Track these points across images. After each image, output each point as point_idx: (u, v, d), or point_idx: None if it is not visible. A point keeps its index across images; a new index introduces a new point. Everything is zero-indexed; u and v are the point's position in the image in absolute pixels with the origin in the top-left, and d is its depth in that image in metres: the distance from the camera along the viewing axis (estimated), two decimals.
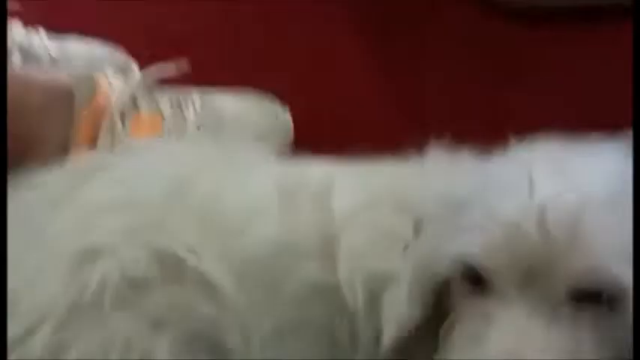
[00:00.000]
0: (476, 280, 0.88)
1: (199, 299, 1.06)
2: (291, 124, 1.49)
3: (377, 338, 1.01)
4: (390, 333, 0.98)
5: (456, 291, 0.92)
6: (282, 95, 1.61)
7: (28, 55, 1.55)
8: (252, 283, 1.08)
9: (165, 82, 1.54)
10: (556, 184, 0.85)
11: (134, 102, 1.46)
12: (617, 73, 1.54)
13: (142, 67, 1.58)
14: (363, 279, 1.05)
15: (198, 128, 1.48)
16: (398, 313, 0.98)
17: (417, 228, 0.99)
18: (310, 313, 1.08)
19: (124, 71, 1.52)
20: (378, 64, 1.84)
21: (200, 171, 1.16)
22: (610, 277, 0.81)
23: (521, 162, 0.91)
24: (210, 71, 1.65)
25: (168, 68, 1.50)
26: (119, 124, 1.42)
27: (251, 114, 1.45)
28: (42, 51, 1.56)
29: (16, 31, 1.54)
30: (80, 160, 1.36)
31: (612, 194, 0.85)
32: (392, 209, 1.09)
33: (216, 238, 1.09)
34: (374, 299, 1.03)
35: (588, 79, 1.74)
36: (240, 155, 1.22)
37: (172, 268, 1.06)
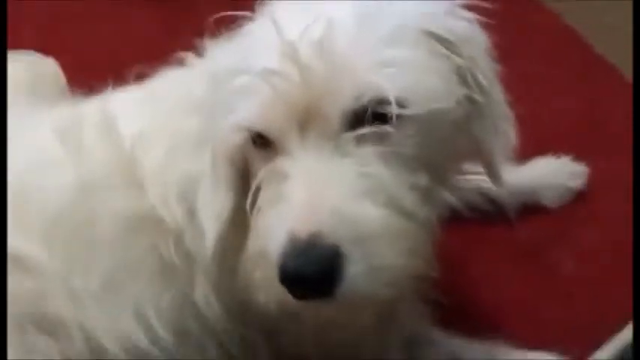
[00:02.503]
0: (265, 142, 0.89)
1: (15, 277, 1.00)
2: (59, 71, 1.42)
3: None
4: (211, 230, 0.97)
5: (254, 161, 0.92)
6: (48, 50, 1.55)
7: None
8: (63, 243, 1.03)
9: None
10: (303, 21, 0.85)
11: None
12: None
13: None
14: (176, 191, 1.03)
15: None
16: (211, 207, 0.97)
17: (204, 114, 0.98)
18: (133, 249, 1.04)
19: None
20: None
21: None
22: (371, 87, 0.83)
23: (267, 13, 0.92)
24: None
25: None
26: None
27: (12, 72, 1.36)
28: None
29: None
30: None
31: (359, 12, 0.87)
32: (180, 112, 1.06)
33: (10, 207, 1.02)
34: (193, 207, 1.01)
35: None
36: (9, 115, 1.14)
37: None
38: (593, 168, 1.37)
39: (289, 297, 0.82)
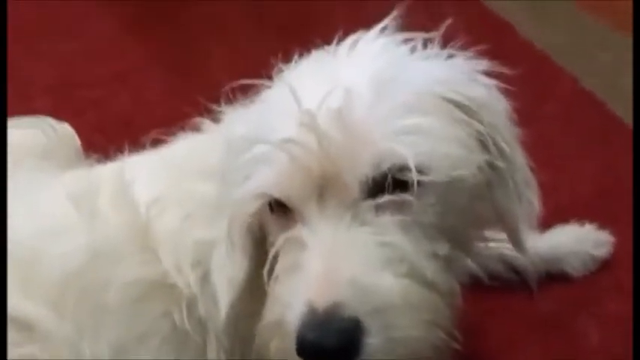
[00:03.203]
0: (282, 209, 0.88)
1: (16, 342, 0.98)
2: (74, 135, 1.42)
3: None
4: (224, 296, 0.96)
5: (271, 227, 0.92)
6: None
7: None
8: (73, 308, 1.01)
9: None
10: (321, 89, 0.86)
11: None
12: None
13: None
14: (190, 258, 1.02)
15: None
16: (225, 273, 0.96)
17: (220, 182, 0.97)
18: (145, 316, 1.03)
19: None
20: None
21: None
22: (391, 153, 0.82)
23: (286, 82, 0.91)
24: None
25: None
26: None
27: (26, 138, 1.37)
28: None
29: None
30: None
31: (377, 80, 0.87)
32: (196, 178, 1.06)
33: (17, 271, 1.01)
34: (207, 275, 1.01)
35: None
36: (20, 179, 1.14)
37: None
38: (617, 236, 1.35)
39: None
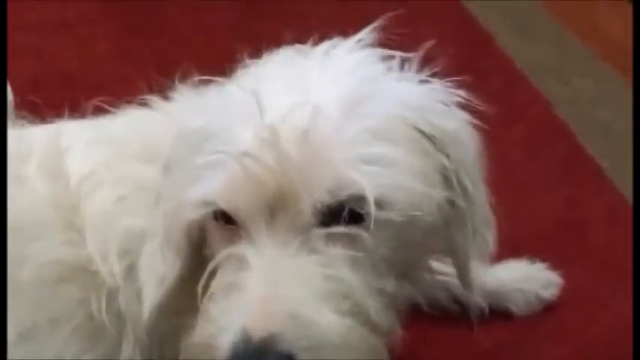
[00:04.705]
0: (228, 220, 0.85)
1: None
2: (8, 87, 1.36)
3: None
4: (150, 295, 0.92)
5: (213, 236, 0.88)
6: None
7: None
8: None
9: None
10: (286, 101, 0.83)
11: None
12: None
13: None
14: (118, 245, 0.97)
15: None
16: (155, 271, 0.92)
17: (165, 173, 0.93)
18: (60, 300, 0.98)
19: None
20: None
21: None
22: (350, 182, 0.80)
23: (251, 83, 0.88)
24: None
25: None
26: None
27: None
28: None
29: None
30: None
31: (347, 99, 0.84)
32: (137, 159, 1.01)
33: None
34: (134, 267, 0.96)
35: None
36: None
37: None
38: (568, 278, 1.32)
39: None
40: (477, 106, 0.93)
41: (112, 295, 0.98)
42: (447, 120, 0.89)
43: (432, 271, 1.02)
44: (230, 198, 0.82)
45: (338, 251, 0.82)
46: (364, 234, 0.81)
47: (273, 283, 0.79)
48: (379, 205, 0.80)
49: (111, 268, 0.97)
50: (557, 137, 1.70)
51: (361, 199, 0.80)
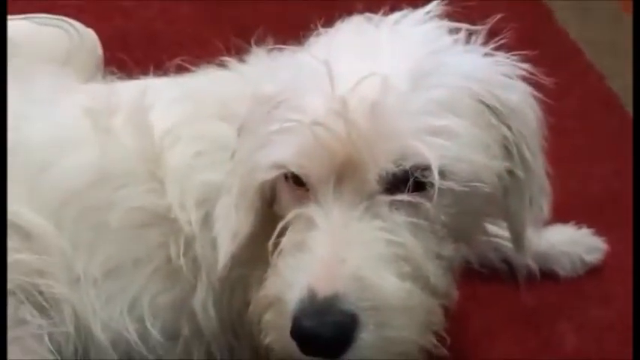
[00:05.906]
0: (298, 182, 0.90)
1: (15, 248, 1.01)
2: (98, 43, 1.41)
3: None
4: (224, 247, 0.98)
5: (284, 196, 0.93)
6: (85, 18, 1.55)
7: None
8: (73, 223, 1.04)
9: None
10: (356, 70, 0.86)
11: None
12: None
13: None
14: (195, 197, 1.04)
15: None
16: (229, 224, 0.97)
17: (241, 134, 0.98)
18: (142, 243, 1.06)
19: None
20: None
21: None
22: (415, 152, 0.83)
23: (322, 52, 0.91)
24: None
25: None
26: None
27: (47, 37, 1.36)
28: None
29: None
30: None
31: (415, 71, 0.88)
32: (215, 118, 1.07)
33: (25, 178, 1.04)
34: (209, 216, 1.03)
35: None
36: (40, 85, 1.14)
37: None
38: (613, 244, 1.37)
39: (297, 349, 0.84)
40: (536, 79, 0.96)
41: (188, 242, 1.04)
42: (510, 93, 0.92)
43: (487, 234, 1.05)
44: (301, 163, 0.87)
45: (401, 218, 0.86)
46: (427, 202, 0.86)
47: (339, 244, 0.84)
48: (442, 175, 0.84)
49: (188, 217, 1.04)
50: (608, 109, 1.72)
51: (426, 168, 0.84)
